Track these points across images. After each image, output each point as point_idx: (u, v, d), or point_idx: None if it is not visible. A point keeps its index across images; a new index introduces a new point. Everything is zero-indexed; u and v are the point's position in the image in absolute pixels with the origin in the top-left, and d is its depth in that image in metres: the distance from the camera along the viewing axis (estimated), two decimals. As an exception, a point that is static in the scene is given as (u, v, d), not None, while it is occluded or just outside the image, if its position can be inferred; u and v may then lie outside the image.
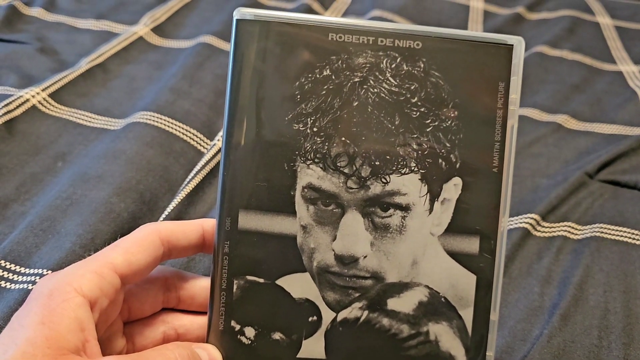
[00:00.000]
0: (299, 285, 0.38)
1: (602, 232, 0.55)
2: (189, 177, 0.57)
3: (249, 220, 0.38)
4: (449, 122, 0.39)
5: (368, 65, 0.39)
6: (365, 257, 0.38)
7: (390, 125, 0.38)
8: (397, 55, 0.39)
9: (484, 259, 0.39)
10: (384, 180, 0.38)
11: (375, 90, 0.39)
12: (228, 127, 0.38)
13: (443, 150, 0.39)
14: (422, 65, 0.39)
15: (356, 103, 0.38)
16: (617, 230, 0.56)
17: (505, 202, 0.39)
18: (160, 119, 0.63)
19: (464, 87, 0.39)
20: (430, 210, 0.39)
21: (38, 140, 0.61)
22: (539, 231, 0.56)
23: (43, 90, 0.66)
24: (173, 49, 0.81)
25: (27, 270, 0.46)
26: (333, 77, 0.39)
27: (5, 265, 0.46)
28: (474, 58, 0.39)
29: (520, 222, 0.56)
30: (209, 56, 0.77)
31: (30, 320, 0.30)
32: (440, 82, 0.39)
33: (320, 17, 0.39)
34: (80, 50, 0.78)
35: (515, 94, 0.39)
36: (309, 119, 0.38)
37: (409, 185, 0.38)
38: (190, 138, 0.63)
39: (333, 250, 0.38)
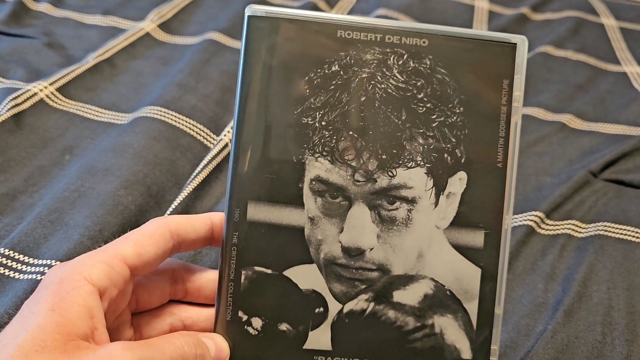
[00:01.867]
0: (306, 277, 0.38)
1: (606, 231, 0.56)
2: (196, 171, 0.57)
3: (257, 212, 0.38)
4: (455, 118, 0.40)
5: (376, 61, 0.40)
6: (371, 249, 0.39)
7: (396, 120, 0.39)
8: (404, 52, 0.40)
9: (489, 253, 0.40)
10: (390, 173, 0.39)
11: (383, 85, 0.39)
12: (238, 120, 0.39)
13: (448, 145, 0.39)
14: (428, 62, 0.40)
15: (364, 98, 0.39)
16: (620, 229, 0.56)
17: (509, 197, 0.40)
18: (167, 113, 0.63)
19: (469, 84, 0.40)
20: (436, 203, 0.39)
21: (46, 134, 0.62)
22: (544, 229, 0.57)
23: (51, 84, 0.67)
24: (179, 45, 0.81)
25: (36, 261, 0.46)
26: (341, 73, 0.39)
27: (14, 255, 0.46)
28: (479, 56, 0.40)
29: (525, 220, 0.57)
30: (215, 52, 0.77)
31: (41, 307, 0.31)
32: (446, 79, 0.40)
33: (329, 15, 0.40)
34: (88, 45, 0.79)
35: (518, 92, 0.40)
36: (317, 113, 0.39)
37: (415, 179, 0.39)
38: (196, 133, 0.63)
39: (340, 242, 0.39)
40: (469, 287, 0.40)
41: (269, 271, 0.38)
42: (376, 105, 0.39)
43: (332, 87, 0.39)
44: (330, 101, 0.39)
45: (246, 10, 0.39)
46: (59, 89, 0.67)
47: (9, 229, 0.50)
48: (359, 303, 0.39)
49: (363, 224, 0.39)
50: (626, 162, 0.66)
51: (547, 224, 0.57)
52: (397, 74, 0.40)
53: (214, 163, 0.59)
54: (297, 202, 0.38)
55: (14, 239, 0.48)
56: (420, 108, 0.39)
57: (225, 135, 0.62)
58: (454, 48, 0.40)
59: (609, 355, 0.45)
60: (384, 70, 0.40)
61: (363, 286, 0.39)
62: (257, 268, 0.38)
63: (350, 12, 0.96)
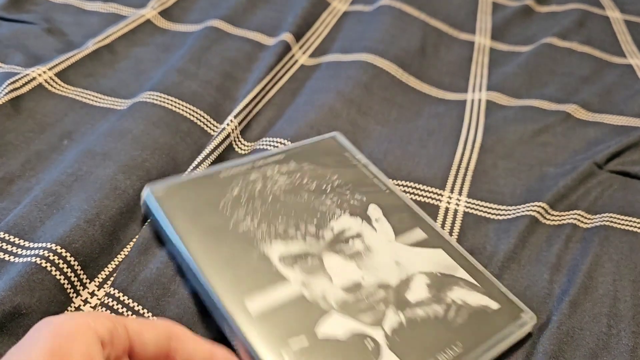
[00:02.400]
0: (338, 327, 0.41)
1: (612, 222, 0.55)
2: (197, 160, 0.56)
3: (257, 304, 0.41)
4: (338, 181, 0.52)
5: (261, 176, 0.51)
6: (363, 278, 0.44)
7: (302, 200, 0.49)
8: (274, 164, 0.53)
9: (435, 237, 0.49)
10: (329, 227, 0.47)
11: (276, 187, 0.50)
12: (197, 259, 0.43)
13: (348, 196, 0.51)
14: (294, 162, 0.53)
15: (271, 198, 0.49)
16: (626, 220, 0.55)
17: (407, 201, 0.52)
18: (167, 99, 0.62)
19: (329, 162, 0.54)
20: (374, 229, 0.48)
21: (44, 119, 0.61)
22: (548, 219, 0.56)
23: (50, 69, 0.66)
24: (180, 33, 0.80)
25: (31, 244, 0.45)
26: (242, 192, 0.49)
27: (9, 238, 0.45)
28: (321, 148, 0.56)
29: (528, 210, 0.56)
30: (216, 40, 0.77)
31: (39, 351, 0.28)
32: (313, 164, 0.53)
33: (209, 170, 0.51)
34: (88, 31, 0.78)
35: (358, 155, 0.57)
36: (246, 219, 0.46)
37: (347, 223, 0.48)
38: (197, 119, 0.62)
39: (338, 287, 0.43)
40: (447, 263, 0.47)
41: (307, 343, 0.39)
42: (282, 199, 0.49)
43: (243, 202, 0.48)
44: (249, 209, 0.47)
45: (143, 194, 0.48)
46: (57, 74, 0.66)
47: (5, 213, 0.49)
48: (393, 319, 0.42)
49: (341, 266, 0.45)
50: (632, 153, 0.65)
51: (552, 215, 0.56)
52: (279, 178, 0.51)
53: (216, 153, 0.58)
54: (280, 278, 0.43)
55: (10, 222, 0.47)
56: (312, 186, 0.51)
57: (227, 124, 0.61)
58: (302, 150, 0.55)
59: (615, 347, 0.45)
60: (270, 179, 0.51)
61: (383, 306, 0.43)
62: (291, 341, 0.39)
63: (352, 2, 0.95)
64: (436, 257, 0.47)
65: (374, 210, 0.50)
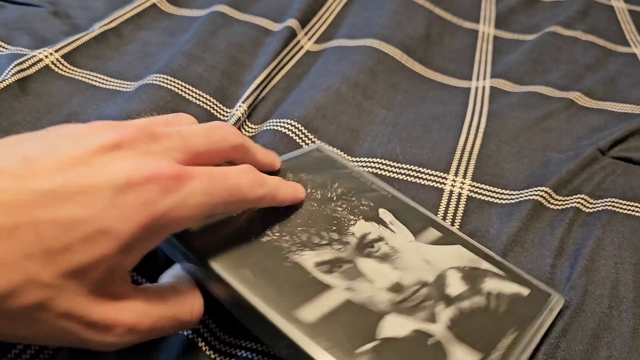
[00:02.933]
0: (397, 327, 0.40)
1: (614, 207, 0.55)
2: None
3: (309, 312, 0.38)
4: (341, 189, 0.50)
5: None
6: (401, 278, 0.43)
7: (314, 208, 0.47)
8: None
9: (449, 234, 0.49)
10: (350, 233, 0.46)
11: None
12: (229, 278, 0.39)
13: (355, 202, 0.49)
14: (291, 174, 0.50)
15: (282, 208, 0.46)
16: (629, 205, 0.56)
17: (411, 203, 0.51)
18: (174, 82, 0.63)
19: (324, 172, 0.52)
20: (392, 231, 0.47)
21: (51, 100, 0.61)
22: (552, 204, 0.56)
23: (56, 51, 0.66)
24: (186, 17, 0.81)
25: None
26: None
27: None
28: (311, 159, 0.53)
29: (532, 195, 0.56)
30: (222, 24, 0.77)
31: None
32: (310, 175, 0.51)
33: None
34: (94, 15, 0.78)
35: (349, 164, 0.54)
36: (266, 231, 0.43)
37: (365, 227, 0.46)
38: (203, 103, 0.63)
39: (383, 288, 0.42)
40: (469, 257, 0.47)
41: (370, 345, 0.38)
42: (293, 208, 0.46)
43: (255, 213, 0.44)
44: (265, 221, 0.44)
45: None
46: (64, 56, 0.67)
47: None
48: (442, 315, 0.42)
49: (376, 268, 0.43)
50: (635, 140, 0.65)
51: (556, 199, 0.57)
52: None
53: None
54: (324, 286, 0.40)
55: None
56: (317, 195, 0.48)
57: (237, 110, 0.62)
58: (293, 162, 0.52)
59: (616, 327, 0.45)
60: None
61: (430, 302, 0.42)
62: (357, 352, 0.37)
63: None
64: (458, 252, 0.47)
65: (385, 214, 0.49)
